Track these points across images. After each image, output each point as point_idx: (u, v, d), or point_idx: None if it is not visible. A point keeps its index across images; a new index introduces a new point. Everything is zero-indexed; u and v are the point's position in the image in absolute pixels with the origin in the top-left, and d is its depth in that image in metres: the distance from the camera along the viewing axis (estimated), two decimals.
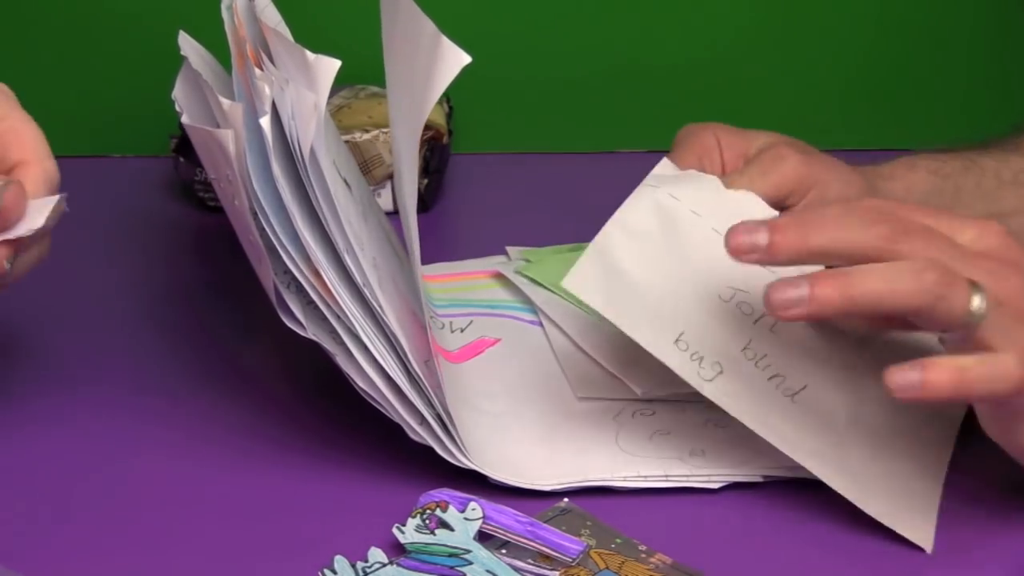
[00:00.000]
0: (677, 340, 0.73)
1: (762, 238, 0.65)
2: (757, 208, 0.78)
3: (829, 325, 0.73)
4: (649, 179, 0.78)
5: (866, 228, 0.64)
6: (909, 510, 0.72)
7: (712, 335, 0.74)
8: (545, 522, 0.71)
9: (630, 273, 0.75)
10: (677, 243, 0.75)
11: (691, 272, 0.74)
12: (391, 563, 0.68)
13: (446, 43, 0.67)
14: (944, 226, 0.66)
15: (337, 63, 0.69)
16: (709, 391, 0.73)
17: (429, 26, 0.68)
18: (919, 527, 0.71)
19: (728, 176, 0.79)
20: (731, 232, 0.66)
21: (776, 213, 0.77)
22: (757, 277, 0.71)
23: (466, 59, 0.66)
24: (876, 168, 0.84)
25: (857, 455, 0.73)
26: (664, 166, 0.81)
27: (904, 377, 0.64)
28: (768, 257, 0.65)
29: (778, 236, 0.65)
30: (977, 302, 0.63)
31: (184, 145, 1.05)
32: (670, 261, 0.75)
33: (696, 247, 0.75)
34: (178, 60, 0.82)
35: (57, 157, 0.76)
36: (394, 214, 0.94)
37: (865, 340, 0.74)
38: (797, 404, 0.73)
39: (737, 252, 0.66)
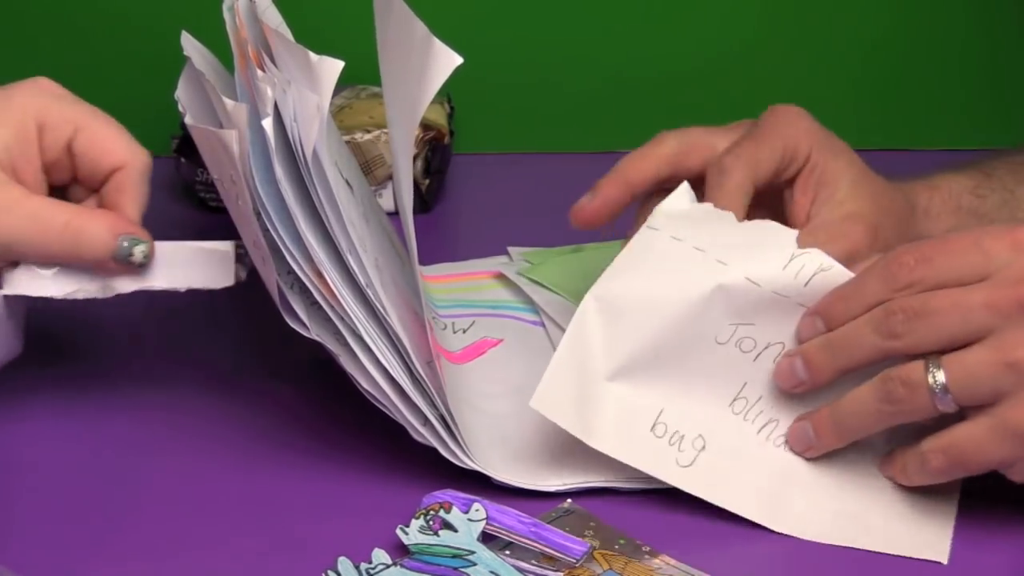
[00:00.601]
0: (654, 426, 0.72)
1: (801, 370, 0.72)
2: (763, 232, 0.75)
3: None
4: (653, 218, 0.75)
5: (875, 333, 0.69)
6: (923, 534, 0.71)
7: (697, 401, 0.72)
8: (548, 523, 0.70)
9: (605, 353, 0.73)
10: (671, 294, 0.73)
11: (681, 320, 0.72)
12: (395, 564, 0.68)
13: (437, 45, 0.67)
14: (975, 261, 0.68)
15: (340, 64, 0.69)
16: (686, 479, 0.72)
17: (420, 28, 0.68)
18: (934, 545, 0.71)
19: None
20: (776, 373, 0.73)
21: (784, 228, 0.75)
22: (764, 304, 0.72)
23: (457, 60, 0.66)
24: (930, 206, 0.84)
25: (866, 495, 0.73)
26: (674, 200, 0.76)
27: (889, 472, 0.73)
28: (812, 385, 0.72)
29: (813, 371, 0.72)
30: (934, 381, 0.68)
31: (185, 146, 1.05)
32: (660, 318, 0.73)
33: (693, 291, 0.73)
34: (179, 61, 0.82)
35: None
36: (396, 214, 0.94)
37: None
38: (789, 453, 0.73)
39: (788, 387, 0.72)
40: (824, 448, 0.72)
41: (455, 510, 0.70)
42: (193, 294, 0.94)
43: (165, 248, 0.77)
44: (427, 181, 1.06)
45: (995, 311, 0.67)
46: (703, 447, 0.72)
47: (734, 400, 0.73)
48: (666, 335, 0.73)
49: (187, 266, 0.78)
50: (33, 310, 0.80)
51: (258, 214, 0.72)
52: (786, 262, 0.73)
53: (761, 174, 0.77)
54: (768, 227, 0.75)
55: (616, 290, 0.74)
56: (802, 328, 0.72)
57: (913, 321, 0.68)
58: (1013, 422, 0.67)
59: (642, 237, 0.75)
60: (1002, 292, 0.67)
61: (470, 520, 0.70)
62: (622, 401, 0.72)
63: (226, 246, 0.78)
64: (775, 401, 0.73)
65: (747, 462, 0.72)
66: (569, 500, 0.73)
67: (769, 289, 0.72)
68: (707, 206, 0.76)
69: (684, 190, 0.77)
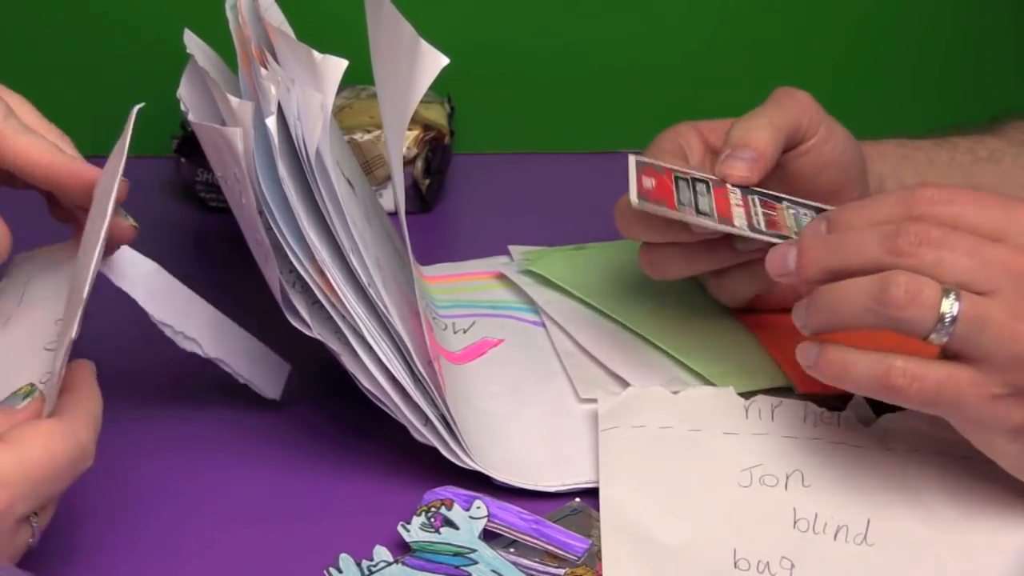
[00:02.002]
0: (736, 563, 0.69)
1: (792, 260, 0.70)
2: (712, 398, 0.77)
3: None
4: (602, 422, 0.76)
5: (879, 245, 0.67)
6: None
7: (763, 534, 0.71)
8: (555, 521, 0.71)
9: (652, 525, 0.71)
10: (671, 466, 0.74)
11: (699, 486, 0.73)
12: (396, 562, 0.68)
13: (424, 46, 0.67)
14: (998, 218, 0.66)
15: (344, 63, 0.69)
16: None
17: (408, 29, 0.68)
18: None
19: (745, 116, 0.77)
20: (768, 257, 0.71)
21: (718, 389, 0.78)
22: (755, 446, 0.74)
23: (444, 61, 0.67)
24: (866, 150, 0.83)
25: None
26: (603, 401, 0.77)
27: (802, 356, 0.70)
28: (798, 278, 0.70)
29: (802, 264, 0.70)
30: (949, 310, 0.65)
31: (185, 146, 1.05)
32: (679, 485, 0.73)
33: (689, 457, 0.74)
34: (180, 60, 0.82)
35: None
36: (396, 214, 0.94)
37: (886, 435, 0.74)
38: (874, 545, 0.70)
39: (775, 274, 0.71)
40: (807, 325, 0.69)
41: (456, 507, 0.70)
42: None
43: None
44: (427, 181, 1.06)
45: (1009, 273, 0.65)
46: (792, 566, 0.69)
47: (795, 523, 0.71)
48: (695, 503, 0.72)
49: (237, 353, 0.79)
50: None
51: (261, 212, 0.72)
52: (744, 411, 0.76)
53: (785, 131, 0.77)
54: (706, 394, 0.78)
55: (623, 486, 0.73)
56: (806, 230, 0.71)
57: (924, 247, 0.66)
58: (998, 387, 0.66)
59: (606, 441, 0.76)
60: (1020, 257, 0.65)
61: (472, 518, 0.70)
62: (695, 553, 0.70)
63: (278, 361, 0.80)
64: (835, 510, 0.71)
65: (841, 566, 0.70)
66: (578, 499, 0.73)
67: (749, 433, 0.75)
68: (633, 390, 0.78)
69: (603, 395, 0.78)
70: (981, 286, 0.66)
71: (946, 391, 0.66)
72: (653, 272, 0.79)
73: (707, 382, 0.80)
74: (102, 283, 0.91)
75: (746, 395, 0.77)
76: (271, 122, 0.70)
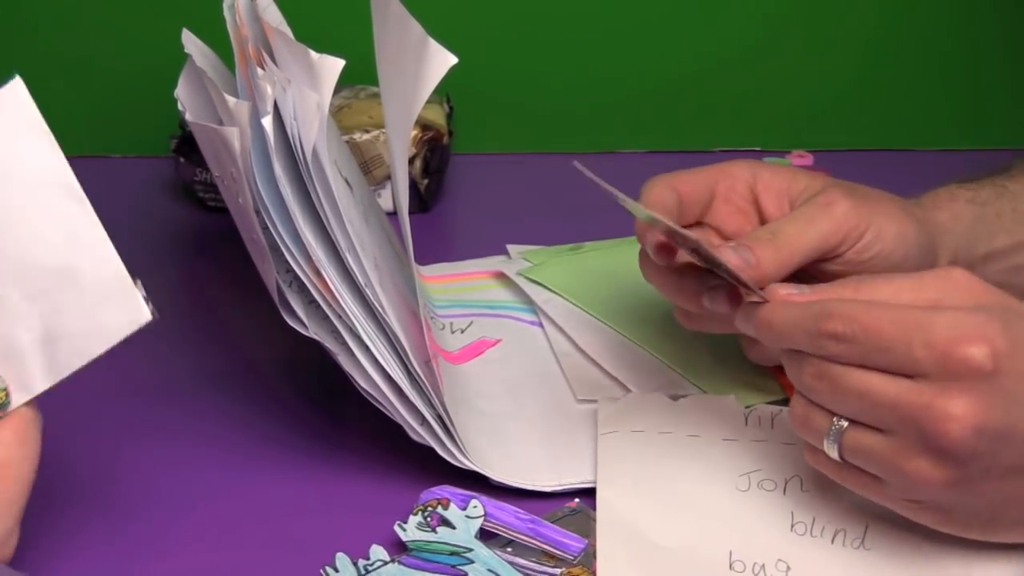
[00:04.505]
0: (732, 564, 0.70)
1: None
2: (711, 405, 0.78)
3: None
4: (601, 426, 0.77)
5: (795, 374, 0.68)
6: None
7: (760, 536, 0.71)
8: (554, 522, 0.71)
9: (648, 526, 0.72)
10: (669, 469, 0.74)
11: (696, 490, 0.73)
12: (392, 561, 0.68)
13: (433, 45, 0.67)
14: (900, 360, 0.65)
15: (340, 63, 0.69)
16: None
17: (416, 28, 0.68)
18: None
19: (775, 224, 0.75)
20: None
21: (719, 398, 0.78)
22: (753, 451, 0.74)
23: (452, 60, 0.67)
24: (920, 200, 0.81)
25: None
26: (603, 406, 0.78)
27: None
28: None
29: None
30: (832, 438, 0.67)
31: (184, 145, 1.05)
32: (676, 488, 0.73)
33: (688, 461, 0.75)
34: (179, 60, 0.82)
35: None
36: (395, 214, 0.94)
37: None
38: (871, 549, 0.71)
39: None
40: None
41: (453, 507, 0.70)
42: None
43: None
44: (426, 181, 1.06)
45: (897, 416, 0.65)
46: (787, 568, 0.70)
47: (792, 527, 0.72)
48: (692, 505, 0.73)
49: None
50: None
51: (258, 212, 0.72)
52: (744, 418, 0.77)
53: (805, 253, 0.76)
54: (706, 401, 0.79)
55: (620, 487, 0.74)
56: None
57: (821, 383, 0.66)
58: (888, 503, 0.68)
59: (605, 445, 0.76)
60: (910, 403, 0.64)
61: (468, 517, 0.70)
62: (690, 554, 0.70)
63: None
64: (833, 514, 0.72)
65: (838, 570, 0.70)
66: (577, 500, 0.73)
67: (748, 439, 0.76)
68: (633, 395, 0.80)
69: (603, 402, 0.79)
70: (873, 424, 0.66)
71: (868, 490, 0.68)
72: (688, 324, 0.79)
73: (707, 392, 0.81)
74: None
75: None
76: (267, 122, 0.70)
